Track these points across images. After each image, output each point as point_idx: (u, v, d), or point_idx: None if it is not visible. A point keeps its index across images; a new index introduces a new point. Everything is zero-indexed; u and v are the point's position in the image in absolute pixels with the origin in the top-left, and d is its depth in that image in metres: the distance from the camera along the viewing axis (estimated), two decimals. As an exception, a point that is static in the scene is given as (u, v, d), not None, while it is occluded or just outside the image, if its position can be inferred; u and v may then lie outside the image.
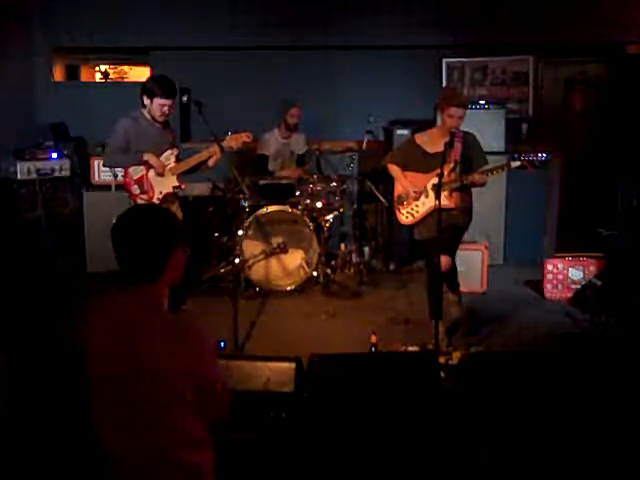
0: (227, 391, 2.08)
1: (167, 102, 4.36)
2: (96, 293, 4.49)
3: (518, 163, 4.08)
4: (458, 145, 4.19)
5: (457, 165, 4.18)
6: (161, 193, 4.46)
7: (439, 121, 4.55)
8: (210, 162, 4.61)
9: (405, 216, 4.42)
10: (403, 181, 4.39)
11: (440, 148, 4.11)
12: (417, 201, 4.33)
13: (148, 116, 4.43)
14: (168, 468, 1.90)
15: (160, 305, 2.01)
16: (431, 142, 4.31)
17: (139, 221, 2.01)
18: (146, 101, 4.38)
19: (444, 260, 4.26)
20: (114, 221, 2.03)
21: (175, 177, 4.49)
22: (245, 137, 4.59)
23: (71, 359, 2.01)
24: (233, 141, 4.57)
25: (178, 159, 4.54)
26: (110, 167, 4.46)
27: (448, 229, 4.20)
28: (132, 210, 2.11)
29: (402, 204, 4.42)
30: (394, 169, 4.45)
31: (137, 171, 4.43)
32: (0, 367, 2.53)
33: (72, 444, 2.64)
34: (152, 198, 4.43)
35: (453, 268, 4.42)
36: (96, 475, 1.98)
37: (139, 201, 4.40)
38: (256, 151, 6.09)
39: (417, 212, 4.34)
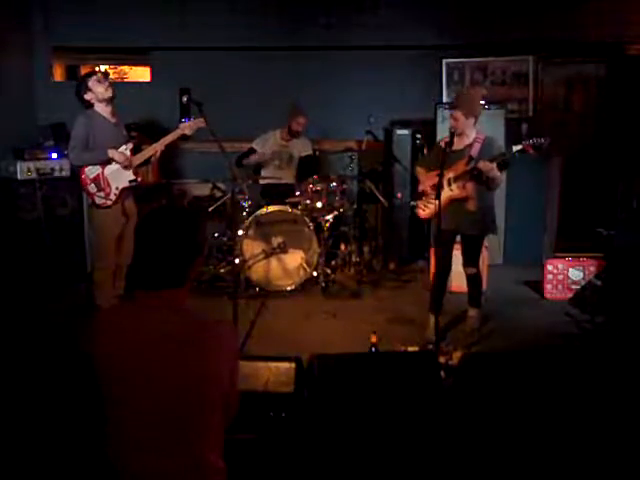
0: (238, 392, 2.10)
1: (96, 77, 4.54)
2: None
3: (519, 147, 4.19)
4: (477, 145, 4.35)
5: (472, 160, 4.30)
6: (117, 189, 4.58)
7: None
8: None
9: (422, 209, 4.59)
10: (423, 178, 4.62)
11: (459, 146, 4.37)
12: (433, 194, 4.39)
13: (101, 111, 4.55)
14: (199, 470, 1.88)
15: (186, 308, 1.97)
16: (453, 142, 4.40)
17: (170, 225, 1.94)
18: (88, 96, 4.53)
19: (466, 271, 4.59)
20: (138, 225, 1.98)
21: (131, 171, 4.62)
22: (199, 123, 4.66)
23: (81, 368, 1.97)
24: (187, 128, 4.67)
25: (133, 153, 4.65)
26: (78, 165, 4.58)
27: (467, 239, 4.53)
28: (159, 212, 2.02)
29: (420, 199, 4.61)
30: (419, 171, 4.72)
31: (93, 170, 4.56)
32: None
33: (79, 459, 2.64)
34: (109, 195, 4.55)
35: (475, 281, 4.62)
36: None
37: (96, 199, 4.54)
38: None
39: (431, 204, 4.45)
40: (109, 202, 4.53)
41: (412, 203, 4.96)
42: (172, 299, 1.92)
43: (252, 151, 6.16)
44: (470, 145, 4.35)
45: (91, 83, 4.50)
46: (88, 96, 4.52)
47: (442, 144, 4.49)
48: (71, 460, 2.68)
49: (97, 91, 4.51)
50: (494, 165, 4.22)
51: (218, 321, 1.98)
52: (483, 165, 4.21)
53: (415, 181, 6.41)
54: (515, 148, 4.19)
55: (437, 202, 4.08)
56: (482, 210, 4.40)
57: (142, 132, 5.92)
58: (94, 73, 4.62)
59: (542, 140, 4.13)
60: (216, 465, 1.92)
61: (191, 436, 1.86)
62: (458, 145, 4.38)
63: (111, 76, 8.13)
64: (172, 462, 1.84)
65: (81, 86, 4.53)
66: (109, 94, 4.54)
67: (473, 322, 4.69)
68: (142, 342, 1.86)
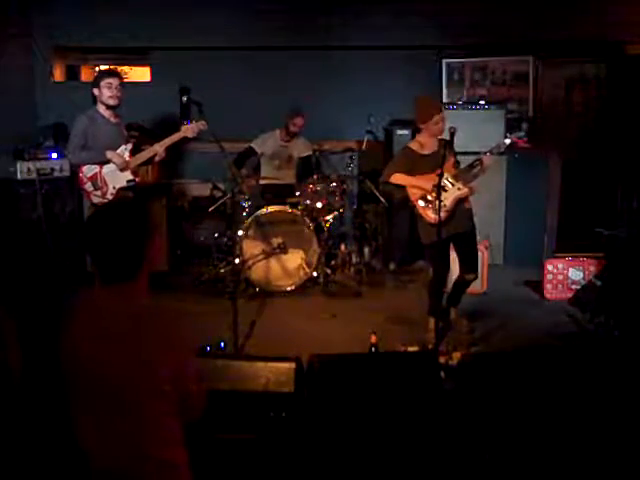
0: (201, 390, 2.09)
1: (112, 80, 4.59)
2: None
3: (509, 141, 4.33)
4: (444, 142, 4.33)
5: (456, 159, 4.39)
6: (114, 188, 4.61)
7: (423, 132, 4.46)
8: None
9: (435, 213, 4.24)
10: (418, 182, 4.34)
11: (432, 149, 4.36)
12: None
13: (104, 112, 4.60)
14: (145, 462, 1.90)
15: (141, 300, 2.01)
16: (423, 146, 4.44)
17: (112, 221, 1.98)
18: (96, 92, 4.60)
19: (468, 277, 4.54)
20: (85, 222, 2.03)
21: (129, 171, 4.65)
22: (201, 125, 4.67)
23: (54, 360, 2.00)
24: (189, 131, 4.69)
25: (132, 153, 4.67)
26: (74, 164, 4.63)
27: (463, 239, 4.47)
28: (101, 210, 2.10)
29: (429, 203, 4.34)
30: (401, 177, 4.40)
31: (91, 169, 4.59)
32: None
33: (53, 444, 2.65)
34: (106, 194, 4.58)
35: (466, 285, 4.64)
36: (75, 473, 1.98)
37: (93, 198, 4.57)
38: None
39: (446, 204, 4.28)
40: (105, 201, 4.54)
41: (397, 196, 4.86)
42: (122, 293, 1.97)
43: (251, 150, 6.16)
44: (441, 144, 4.29)
45: (102, 83, 4.56)
46: (96, 92, 4.61)
47: (413, 147, 4.44)
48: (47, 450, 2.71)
49: (103, 93, 4.58)
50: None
51: (170, 318, 2.00)
52: (488, 160, 4.30)
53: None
54: (507, 141, 4.35)
55: (437, 202, 4.02)
56: (471, 206, 4.48)
57: (142, 132, 5.93)
58: (112, 75, 4.64)
59: (522, 133, 4.39)
60: (167, 460, 1.94)
61: (136, 429, 1.89)
62: (430, 148, 4.39)
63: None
64: (121, 454, 1.88)
65: (94, 80, 4.64)
66: (112, 102, 4.60)
67: (463, 323, 4.69)
68: (92, 333, 1.91)
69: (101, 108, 4.58)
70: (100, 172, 4.57)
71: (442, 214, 4.24)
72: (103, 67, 7.82)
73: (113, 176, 4.58)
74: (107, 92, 4.56)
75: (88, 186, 4.57)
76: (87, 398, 1.91)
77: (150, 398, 1.90)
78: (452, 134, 4.17)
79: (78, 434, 1.94)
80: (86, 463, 1.95)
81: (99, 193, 4.56)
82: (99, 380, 1.88)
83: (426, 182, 4.33)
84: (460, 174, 4.36)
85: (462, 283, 4.61)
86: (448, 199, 4.32)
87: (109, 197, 4.57)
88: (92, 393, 1.90)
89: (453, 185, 4.35)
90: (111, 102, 4.59)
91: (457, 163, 4.49)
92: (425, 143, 4.42)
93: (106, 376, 1.88)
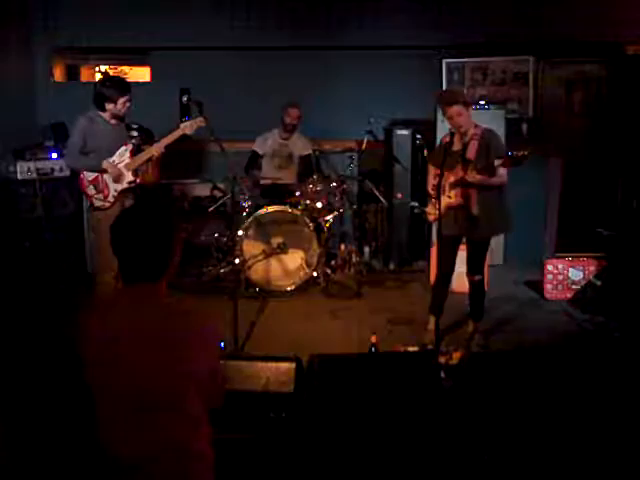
0: (224, 381, 2.15)
1: (128, 97, 4.57)
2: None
3: (500, 161, 3.99)
4: (474, 143, 4.17)
5: (470, 164, 4.12)
6: (116, 191, 4.59)
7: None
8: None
9: (429, 213, 4.44)
10: (431, 176, 4.48)
11: (459, 145, 4.21)
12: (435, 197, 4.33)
13: (106, 116, 4.57)
14: (185, 458, 1.91)
15: (165, 298, 2.04)
16: (454, 141, 4.25)
17: (142, 224, 2.00)
18: (109, 106, 4.54)
19: (469, 277, 4.43)
20: (114, 222, 2.02)
21: (130, 173, 4.62)
22: (200, 122, 4.65)
23: (72, 364, 2.00)
24: (188, 128, 4.67)
25: (133, 154, 4.64)
26: (70, 167, 4.61)
27: (472, 244, 4.38)
28: (131, 212, 2.12)
29: (430, 202, 4.43)
30: (429, 168, 4.57)
31: (92, 172, 4.56)
32: None
33: (76, 454, 2.65)
34: (107, 196, 4.56)
35: (479, 290, 4.46)
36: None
37: (94, 201, 4.56)
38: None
39: (436, 209, 4.25)
40: (107, 204, 4.53)
41: (412, 204, 4.87)
42: (148, 293, 2.00)
43: (255, 154, 6.16)
44: (467, 144, 4.18)
45: (121, 100, 4.51)
46: (109, 106, 4.53)
47: (446, 139, 4.30)
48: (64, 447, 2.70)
49: (119, 108, 4.54)
50: (481, 177, 4.06)
51: (200, 318, 2.02)
52: (470, 177, 4.08)
53: (414, 181, 6.44)
54: (496, 162, 3.97)
55: (437, 203, 4.02)
56: (487, 214, 4.21)
57: (142, 132, 5.93)
58: (128, 91, 4.57)
59: (522, 153, 3.91)
60: (199, 452, 1.96)
61: (171, 424, 1.90)
62: (458, 144, 4.22)
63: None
64: (153, 447, 1.88)
65: (110, 95, 4.51)
66: (123, 115, 4.62)
67: (477, 338, 4.50)
68: (119, 333, 1.91)
69: (106, 113, 4.56)
70: (101, 175, 4.55)
71: (433, 216, 4.35)
72: (103, 67, 7.86)
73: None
74: (124, 109, 4.56)
75: (90, 189, 4.55)
76: (120, 398, 1.89)
77: (191, 395, 1.91)
78: (452, 134, 4.14)
79: (105, 432, 1.92)
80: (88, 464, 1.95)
81: (101, 196, 4.54)
82: (132, 379, 1.88)
83: (430, 181, 4.44)
84: (453, 184, 4.19)
85: (470, 285, 4.49)
86: (440, 204, 4.18)
87: (110, 200, 4.55)
88: (126, 394, 1.89)
89: (447, 191, 4.20)
90: (124, 115, 4.62)
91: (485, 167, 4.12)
92: (458, 138, 4.24)
93: (141, 376, 1.88)
